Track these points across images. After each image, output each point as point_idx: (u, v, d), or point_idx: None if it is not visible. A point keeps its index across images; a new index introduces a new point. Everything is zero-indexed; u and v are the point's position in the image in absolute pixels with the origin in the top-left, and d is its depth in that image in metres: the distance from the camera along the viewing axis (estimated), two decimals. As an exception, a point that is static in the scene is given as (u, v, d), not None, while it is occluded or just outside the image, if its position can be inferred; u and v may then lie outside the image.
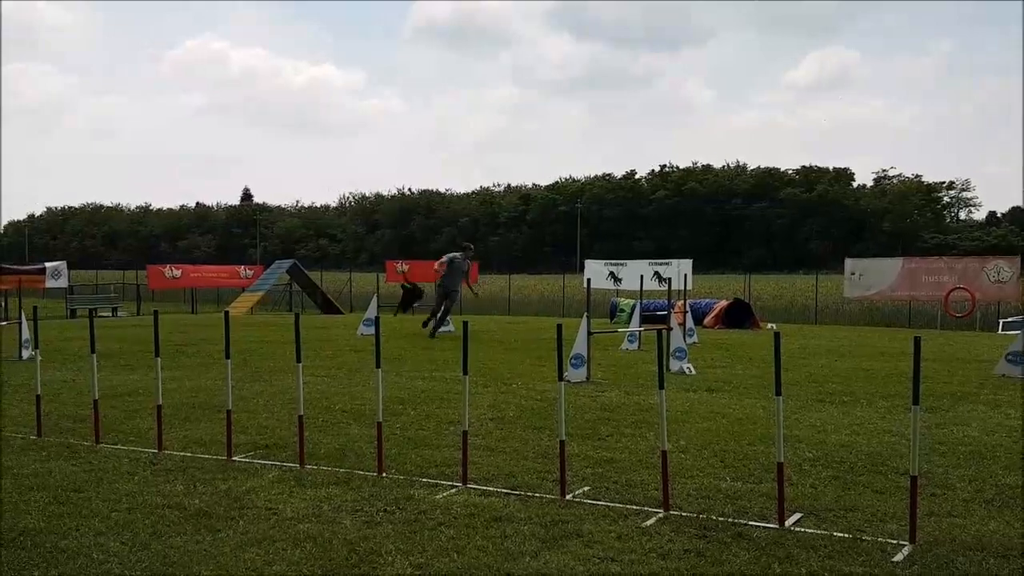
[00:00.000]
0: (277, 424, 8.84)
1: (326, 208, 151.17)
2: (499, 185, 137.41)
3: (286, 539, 5.19)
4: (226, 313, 7.81)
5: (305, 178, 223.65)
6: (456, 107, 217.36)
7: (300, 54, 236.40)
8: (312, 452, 7.38)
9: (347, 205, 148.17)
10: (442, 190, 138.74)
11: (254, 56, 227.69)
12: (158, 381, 7.89)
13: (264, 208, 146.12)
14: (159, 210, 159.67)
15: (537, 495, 6.15)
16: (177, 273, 38.25)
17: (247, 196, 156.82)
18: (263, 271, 39.62)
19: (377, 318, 8.25)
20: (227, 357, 7.51)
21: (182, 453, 7.55)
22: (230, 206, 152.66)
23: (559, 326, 6.37)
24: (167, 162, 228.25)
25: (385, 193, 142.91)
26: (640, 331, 16.37)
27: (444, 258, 20.45)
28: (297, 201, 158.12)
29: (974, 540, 5.17)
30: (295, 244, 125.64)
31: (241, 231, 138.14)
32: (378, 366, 6.87)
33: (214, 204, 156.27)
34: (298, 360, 7.17)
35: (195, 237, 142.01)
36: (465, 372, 6.50)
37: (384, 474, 6.69)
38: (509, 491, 6.25)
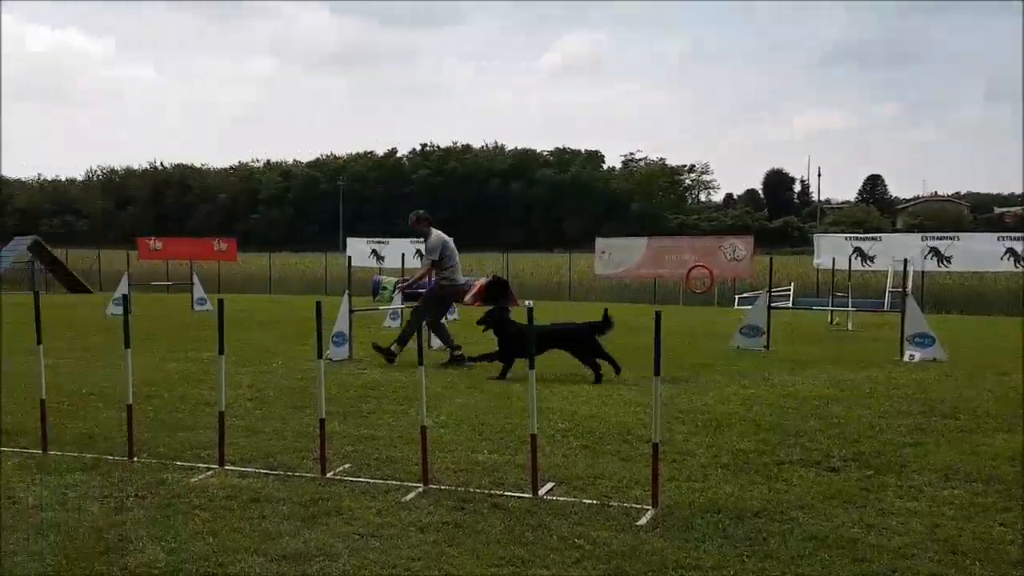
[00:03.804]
0: (17, 409, 8.27)
1: (72, 182, 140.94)
2: (258, 161, 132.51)
3: (27, 528, 4.90)
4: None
5: (48, 151, 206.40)
6: (211, 78, 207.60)
7: (41, 19, 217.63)
8: (56, 438, 6.98)
9: (94, 179, 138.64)
10: (198, 164, 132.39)
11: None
12: None
13: (2, 181, 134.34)
14: None
15: (297, 475, 6.11)
16: (-99, 250, 34.67)
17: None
18: (0, 248, 36.65)
19: (126, 296, 7.88)
20: (-44, 340, 6.95)
21: (-96, 444, 6.93)
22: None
23: (318, 303, 6.33)
24: None
25: (136, 167, 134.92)
26: (402, 308, 16.45)
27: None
28: (39, 175, 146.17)
29: (710, 503, 5.58)
30: (37, 220, 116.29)
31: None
32: (127, 346, 6.57)
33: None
34: (39, 341, 6.74)
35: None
36: (221, 351, 6.34)
37: (135, 459, 6.43)
38: (268, 471, 6.17)
